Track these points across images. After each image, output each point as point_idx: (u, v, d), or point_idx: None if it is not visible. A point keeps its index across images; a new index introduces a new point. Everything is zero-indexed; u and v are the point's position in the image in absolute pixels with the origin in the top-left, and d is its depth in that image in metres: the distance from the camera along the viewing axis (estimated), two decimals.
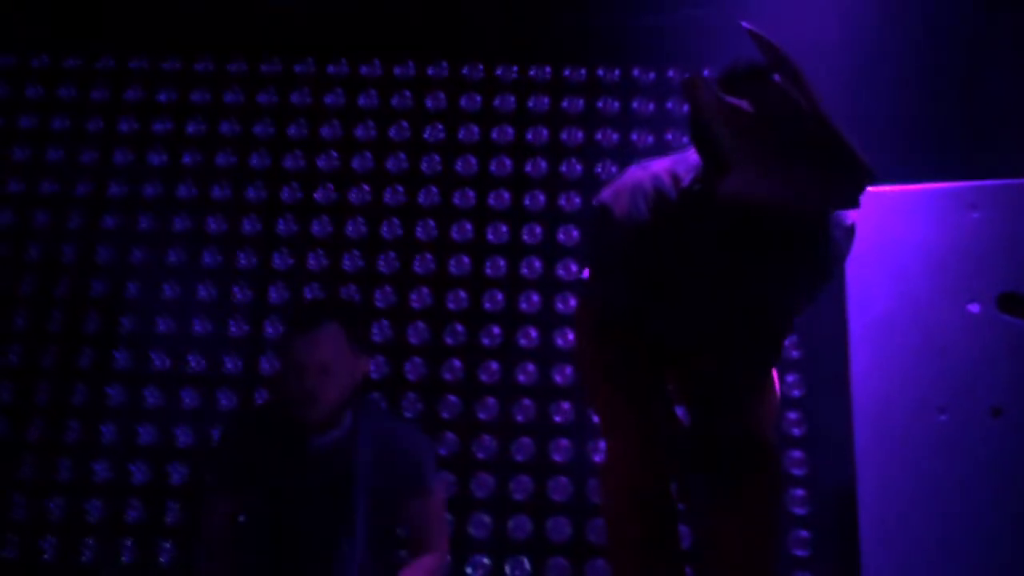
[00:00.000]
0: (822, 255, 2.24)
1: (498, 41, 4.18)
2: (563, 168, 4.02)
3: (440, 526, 2.87)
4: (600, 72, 4.13)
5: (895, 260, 2.95)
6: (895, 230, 2.94)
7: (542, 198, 3.99)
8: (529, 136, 4.07)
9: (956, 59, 3.42)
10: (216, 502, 2.84)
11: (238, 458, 2.81)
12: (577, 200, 3.98)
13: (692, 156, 2.20)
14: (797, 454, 3.51)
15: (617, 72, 4.13)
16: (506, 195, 4.02)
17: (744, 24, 2.07)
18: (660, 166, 2.31)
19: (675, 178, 2.25)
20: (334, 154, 4.09)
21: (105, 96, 4.19)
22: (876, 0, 3.49)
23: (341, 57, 4.19)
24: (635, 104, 4.08)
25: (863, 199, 1.96)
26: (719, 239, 2.19)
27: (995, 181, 2.99)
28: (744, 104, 1.96)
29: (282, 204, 4.04)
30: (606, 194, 2.32)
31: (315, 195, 4.04)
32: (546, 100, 4.12)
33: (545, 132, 4.08)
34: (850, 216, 2.27)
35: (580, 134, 4.08)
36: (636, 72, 4.12)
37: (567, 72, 4.14)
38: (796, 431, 3.53)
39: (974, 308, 2.89)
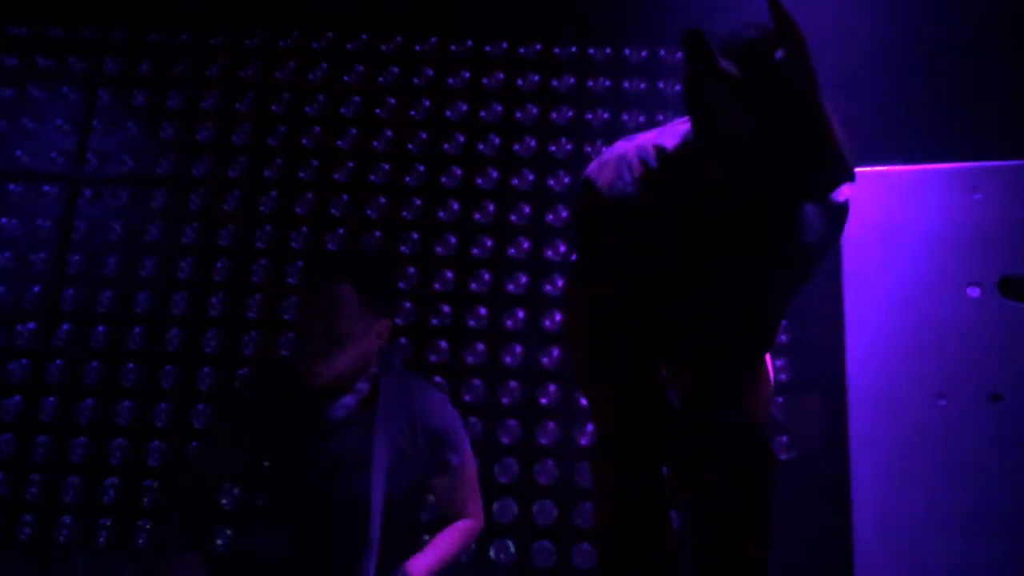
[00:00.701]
0: (798, 242, 2.11)
1: (488, 18, 4.10)
2: (552, 148, 3.94)
3: (472, 496, 2.72)
4: (591, 51, 4.05)
5: (894, 242, 2.88)
6: (895, 211, 2.87)
7: (531, 177, 3.91)
8: (519, 115, 3.99)
9: (959, 38, 3.35)
10: (211, 456, 2.68)
11: (245, 416, 2.64)
12: (567, 179, 3.90)
13: (681, 126, 2.13)
14: (788, 439, 3.40)
15: (608, 50, 4.05)
16: (494, 174, 3.94)
17: None
18: (646, 137, 2.24)
19: (659, 148, 2.16)
20: (317, 130, 4.02)
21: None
22: None
23: (327, 32, 4.12)
24: (626, 83, 4.00)
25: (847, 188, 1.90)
26: (697, 212, 2.09)
27: (998, 163, 2.91)
28: (736, 71, 1.86)
29: (264, 182, 3.98)
30: (591, 167, 2.25)
31: (300, 174, 3.97)
32: (536, 78, 4.04)
33: (535, 110, 4.00)
34: (843, 193, 2.16)
35: (570, 112, 3.99)
36: (627, 51, 4.03)
37: (557, 50, 4.06)
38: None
39: (974, 292, 2.82)
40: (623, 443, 2.25)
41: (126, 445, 3.66)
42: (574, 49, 4.06)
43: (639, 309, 2.28)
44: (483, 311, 3.76)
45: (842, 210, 2.17)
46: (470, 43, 4.08)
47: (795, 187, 1.93)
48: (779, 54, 1.89)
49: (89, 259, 3.88)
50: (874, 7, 3.42)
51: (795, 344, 3.21)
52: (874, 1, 3.42)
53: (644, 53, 4.02)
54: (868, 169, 2.49)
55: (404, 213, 3.90)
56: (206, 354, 3.73)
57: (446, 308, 3.76)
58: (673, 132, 2.19)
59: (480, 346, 3.73)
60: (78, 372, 3.74)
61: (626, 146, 2.23)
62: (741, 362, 2.33)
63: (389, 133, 3.99)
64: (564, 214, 3.85)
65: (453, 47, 4.09)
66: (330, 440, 2.54)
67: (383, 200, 3.91)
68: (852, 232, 2.28)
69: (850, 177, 1.88)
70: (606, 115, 3.96)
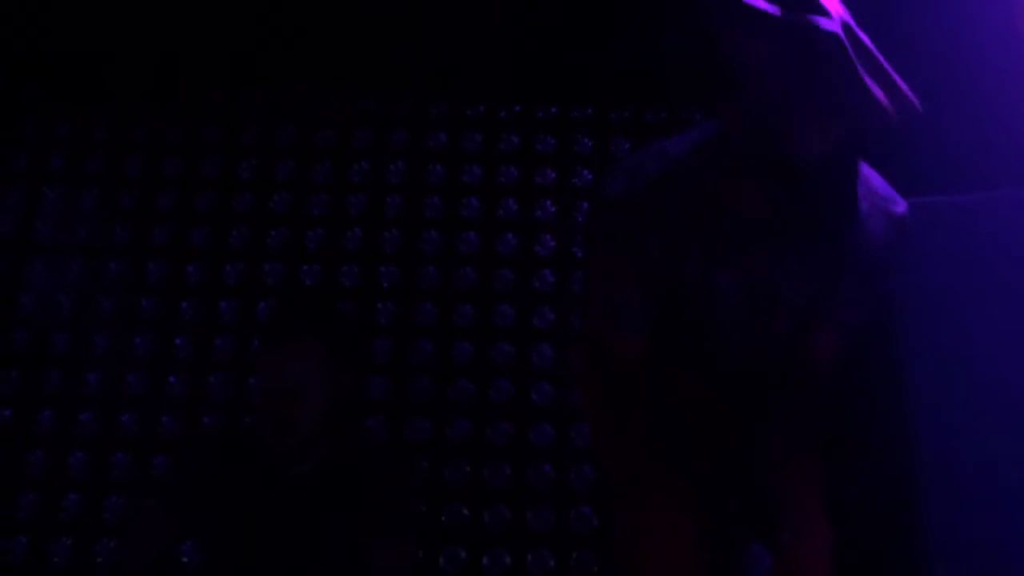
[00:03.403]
0: (861, 240, 1.87)
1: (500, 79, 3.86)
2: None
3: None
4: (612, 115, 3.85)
5: (956, 279, 2.45)
6: (953, 244, 2.45)
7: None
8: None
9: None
10: (154, 522, 2.48)
11: (193, 480, 2.46)
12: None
13: (688, 136, 1.93)
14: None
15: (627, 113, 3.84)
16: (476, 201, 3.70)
17: None
18: (667, 143, 1.97)
19: (682, 146, 1.92)
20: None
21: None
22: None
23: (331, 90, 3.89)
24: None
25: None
26: (729, 206, 1.84)
27: None
28: (767, 4, 1.64)
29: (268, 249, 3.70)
30: (600, 185, 2.02)
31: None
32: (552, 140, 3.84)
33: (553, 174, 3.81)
34: (899, 203, 1.92)
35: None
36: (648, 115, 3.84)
37: (575, 113, 3.85)
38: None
39: None
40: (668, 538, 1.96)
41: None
42: (589, 111, 3.86)
43: (668, 358, 1.96)
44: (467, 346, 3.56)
45: (903, 221, 1.92)
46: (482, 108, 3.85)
47: (838, 126, 1.72)
48: None
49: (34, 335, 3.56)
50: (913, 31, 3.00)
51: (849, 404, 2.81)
52: (918, 27, 3.00)
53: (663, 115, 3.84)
54: (921, 199, 2.12)
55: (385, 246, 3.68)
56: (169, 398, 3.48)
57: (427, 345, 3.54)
58: (680, 141, 1.94)
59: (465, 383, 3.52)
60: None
61: (640, 154, 1.97)
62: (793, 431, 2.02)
63: (361, 198, 3.77)
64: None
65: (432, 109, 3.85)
66: (284, 503, 2.40)
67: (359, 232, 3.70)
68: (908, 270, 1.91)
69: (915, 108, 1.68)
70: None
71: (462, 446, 3.45)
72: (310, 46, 3.79)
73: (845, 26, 1.67)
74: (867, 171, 1.95)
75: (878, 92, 1.64)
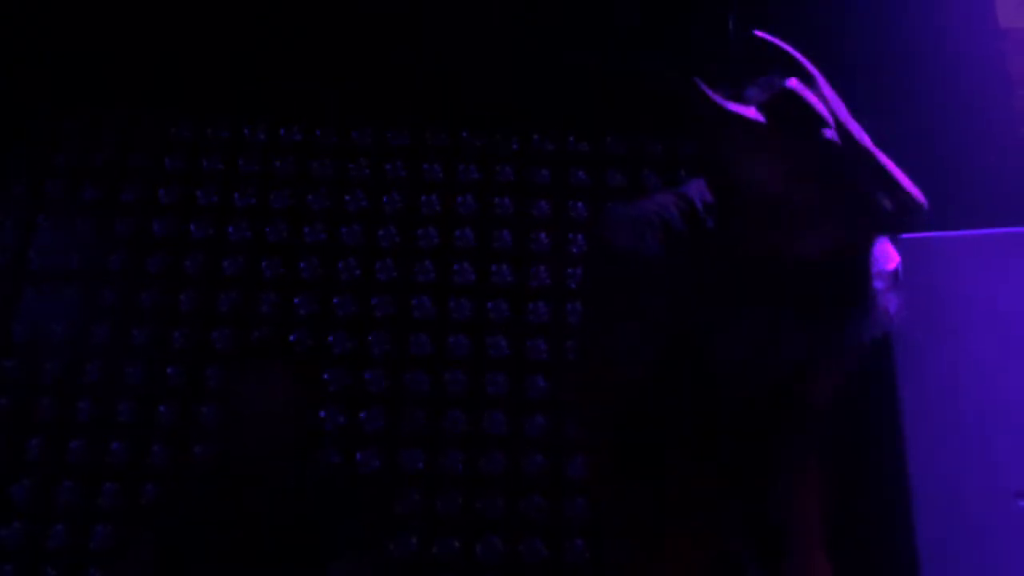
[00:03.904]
0: (860, 310, 1.84)
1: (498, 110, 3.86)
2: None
3: None
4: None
5: (950, 317, 2.52)
6: (949, 281, 2.52)
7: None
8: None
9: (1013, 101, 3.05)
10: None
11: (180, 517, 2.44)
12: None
13: (702, 185, 1.90)
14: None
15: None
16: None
17: (756, 32, 1.76)
18: (666, 198, 1.93)
19: (684, 211, 1.88)
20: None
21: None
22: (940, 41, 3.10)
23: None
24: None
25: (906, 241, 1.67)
26: (734, 285, 1.81)
27: None
28: (751, 112, 1.64)
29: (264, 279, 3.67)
30: (603, 226, 1.94)
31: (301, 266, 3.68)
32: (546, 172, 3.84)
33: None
34: (891, 259, 1.88)
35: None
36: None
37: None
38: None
39: None
40: None
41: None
42: (585, 146, 3.87)
43: (670, 402, 1.94)
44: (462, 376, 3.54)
45: (894, 275, 1.87)
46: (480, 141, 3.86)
47: (852, 226, 1.69)
48: (792, 82, 1.67)
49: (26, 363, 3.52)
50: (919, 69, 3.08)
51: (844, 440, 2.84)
52: (927, 67, 3.08)
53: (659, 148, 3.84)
54: (914, 236, 2.18)
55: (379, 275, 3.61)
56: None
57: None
58: (696, 191, 1.90)
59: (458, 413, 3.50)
60: None
61: (643, 205, 1.92)
62: (786, 459, 2.01)
63: (358, 227, 3.75)
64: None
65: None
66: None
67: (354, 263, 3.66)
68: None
69: (920, 208, 1.63)
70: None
71: (455, 478, 3.43)
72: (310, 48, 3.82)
73: (841, 130, 1.65)
74: None
75: (878, 196, 1.62)
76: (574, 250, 3.71)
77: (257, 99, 3.83)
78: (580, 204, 3.81)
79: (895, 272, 1.90)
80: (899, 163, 2.40)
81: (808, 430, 2.04)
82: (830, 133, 1.63)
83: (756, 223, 1.73)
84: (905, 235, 2.00)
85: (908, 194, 1.63)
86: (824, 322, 1.86)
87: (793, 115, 1.64)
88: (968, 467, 2.40)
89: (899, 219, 1.64)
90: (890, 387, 2.49)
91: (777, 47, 1.74)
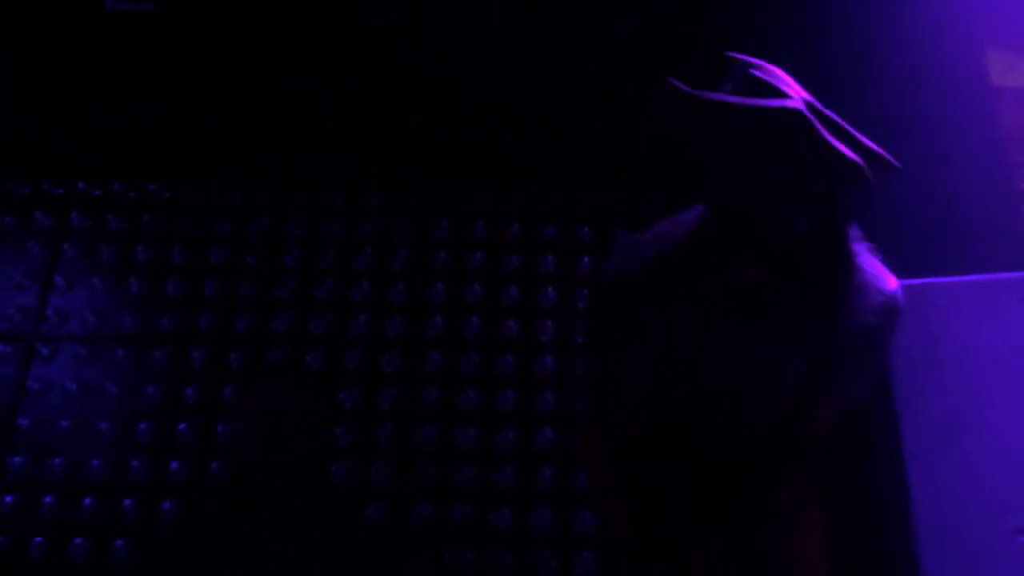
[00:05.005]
0: (855, 312, 1.90)
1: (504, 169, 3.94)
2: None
3: None
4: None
5: (950, 360, 2.62)
6: (949, 325, 2.62)
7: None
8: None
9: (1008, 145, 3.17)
10: None
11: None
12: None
13: (687, 215, 1.96)
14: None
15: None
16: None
17: (728, 54, 1.84)
18: (662, 225, 2.04)
19: (677, 225, 1.97)
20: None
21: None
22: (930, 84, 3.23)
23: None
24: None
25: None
26: (729, 307, 1.89)
27: None
28: (719, 96, 1.71)
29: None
30: (600, 262, 2.08)
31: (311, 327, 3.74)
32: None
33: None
34: (890, 280, 1.94)
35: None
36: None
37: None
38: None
39: None
40: None
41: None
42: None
43: (672, 421, 2.02)
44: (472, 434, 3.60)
45: (894, 298, 1.94)
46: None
47: (813, 194, 1.74)
48: (755, 72, 1.75)
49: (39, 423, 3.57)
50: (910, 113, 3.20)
51: (847, 477, 2.95)
52: (920, 107, 3.20)
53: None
54: (914, 282, 2.28)
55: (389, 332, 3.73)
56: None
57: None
58: (675, 221, 2.00)
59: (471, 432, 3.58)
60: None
61: (638, 236, 2.03)
62: (787, 489, 2.08)
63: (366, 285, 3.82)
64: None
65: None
66: None
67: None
68: (902, 349, 2.05)
69: (890, 166, 1.71)
70: None
71: (465, 528, 3.48)
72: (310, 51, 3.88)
73: (807, 103, 1.71)
74: (860, 249, 1.96)
75: (849, 153, 1.66)
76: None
77: (257, 99, 3.88)
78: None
79: (894, 294, 1.94)
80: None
81: (809, 465, 2.08)
82: (795, 103, 1.68)
83: (736, 211, 1.78)
84: (907, 281, 2.05)
85: (876, 153, 1.71)
86: (815, 323, 1.90)
87: (762, 85, 1.72)
88: (969, 505, 2.51)
89: (870, 176, 1.68)
90: (892, 428, 2.59)
91: (750, 63, 1.80)
